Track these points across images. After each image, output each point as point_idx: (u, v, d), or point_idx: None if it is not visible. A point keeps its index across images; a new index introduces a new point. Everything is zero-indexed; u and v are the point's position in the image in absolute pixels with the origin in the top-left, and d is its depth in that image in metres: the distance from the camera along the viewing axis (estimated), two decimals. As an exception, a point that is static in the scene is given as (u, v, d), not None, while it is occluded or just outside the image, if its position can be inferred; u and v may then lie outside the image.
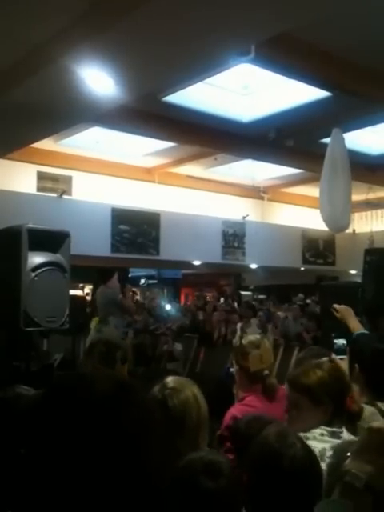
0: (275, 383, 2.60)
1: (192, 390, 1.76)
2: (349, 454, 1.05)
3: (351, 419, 1.75)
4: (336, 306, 3.19)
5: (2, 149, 7.92)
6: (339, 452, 1.17)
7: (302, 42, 5.88)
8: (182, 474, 1.32)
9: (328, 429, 1.75)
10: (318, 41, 5.94)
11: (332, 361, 2.02)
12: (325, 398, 1.84)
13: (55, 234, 3.15)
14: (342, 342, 2.86)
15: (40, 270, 2.92)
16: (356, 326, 3.03)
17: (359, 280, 4.42)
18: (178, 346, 9.38)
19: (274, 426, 1.57)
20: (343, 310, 3.16)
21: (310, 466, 1.38)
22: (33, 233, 2.88)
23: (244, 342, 2.72)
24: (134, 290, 15.16)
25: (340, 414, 1.83)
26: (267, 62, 6.33)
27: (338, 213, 6.59)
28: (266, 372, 2.61)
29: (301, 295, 12.57)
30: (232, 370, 2.85)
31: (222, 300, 13.00)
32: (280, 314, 10.40)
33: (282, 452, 1.38)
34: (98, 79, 5.06)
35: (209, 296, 13.70)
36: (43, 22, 4.60)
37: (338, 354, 2.71)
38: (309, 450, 1.44)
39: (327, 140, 7.09)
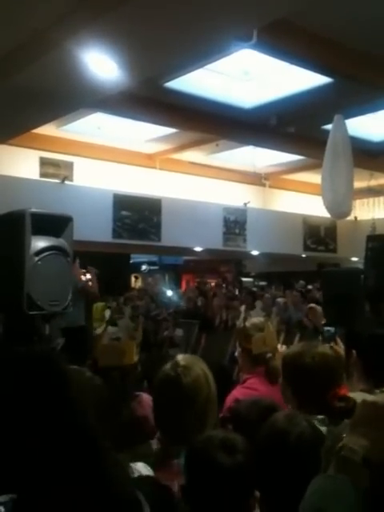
0: (278, 366, 2.62)
1: (201, 367, 1.79)
2: (344, 435, 1.04)
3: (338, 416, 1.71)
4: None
5: (4, 134, 7.89)
6: (335, 434, 1.17)
7: (304, 27, 5.82)
8: (198, 450, 1.36)
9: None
10: (320, 26, 5.87)
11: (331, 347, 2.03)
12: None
13: (58, 218, 3.14)
14: (331, 329, 2.86)
15: (43, 255, 2.91)
16: None
17: (361, 267, 4.42)
18: (179, 332, 9.41)
19: (283, 411, 1.61)
20: None
21: (317, 443, 1.39)
22: (36, 217, 2.87)
23: (247, 324, 2.73)
24: (136, 275, 15.20)
25: (317, 404, 1.77)
26: (269, 48, 6.27)
27: (340, 199, 6.58)
28: (269, 355, 2.60)
29: (302, 282, 12.58)
30: (237, 353, 2.86)
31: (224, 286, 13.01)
32: (280, 300, 10.40)
33: (288, 430, 1.41)
34: (100, 63, 5.03)
35: (211, 282, 13.71)
36: (45, 5, 4.56)
37: (326, 340, 2.72)
38: (316, 429, 1.45)
39: (329, 126, 7.05)
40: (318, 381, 1.84)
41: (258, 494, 1.31)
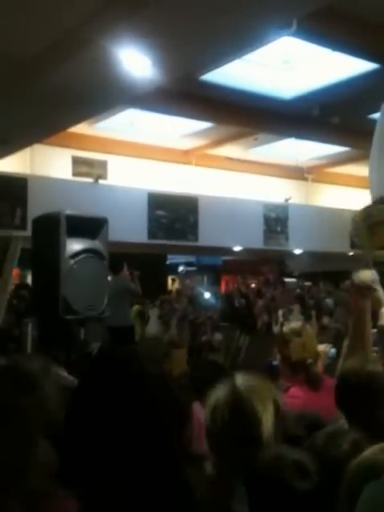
0: (319, 373, 2.59)
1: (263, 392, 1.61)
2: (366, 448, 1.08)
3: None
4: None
5: (40, 134, 8.09)
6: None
7: (347, 11, 5.75)
8: (268, 472, 1.26)
9: None
10: (364, 9, 5.78)
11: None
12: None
13: (93, 220, 3.24)
14: None
15: (79, 258, 3.01)
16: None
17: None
18: (218, 336, 9.44)
19: (328, 427, 1.56)
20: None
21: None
22: (71, 219, 2.97)
23: (285, 329, 2.70)
24: (173, 277, 15.29)
25: (359, 423, 1.66)
26: (309, 34, 6.22)
27: (389, 193, 6.46)
28: (310, 361, 2.55)
29: (348, 282, 12.34)
30: (275, 362, 2.83)
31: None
32: (329, 301, 10.28)
33: (324, 450, 1.37)
34: (134, 60, 5.10)
35: (252, 283, 13.66)
36: (78, 1, 4.66)
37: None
38: (360, 448, 1.40)
39: (376, 115, 6.90)
40: (362, 401, 1.82)
41: None
